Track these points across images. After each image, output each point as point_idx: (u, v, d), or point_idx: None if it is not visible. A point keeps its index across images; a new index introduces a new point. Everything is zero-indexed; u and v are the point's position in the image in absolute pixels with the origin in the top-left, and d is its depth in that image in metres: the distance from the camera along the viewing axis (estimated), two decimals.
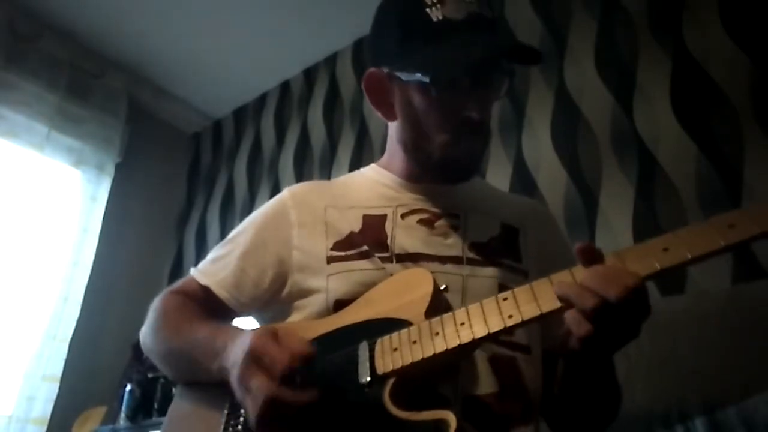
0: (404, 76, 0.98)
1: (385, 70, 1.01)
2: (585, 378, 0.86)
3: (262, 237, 1.05)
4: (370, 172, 1.14)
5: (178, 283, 1.09)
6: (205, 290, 1.04)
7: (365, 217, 1.01)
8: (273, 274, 1.01)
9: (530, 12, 2.47)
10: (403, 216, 1.00)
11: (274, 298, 1.01)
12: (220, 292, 1.02)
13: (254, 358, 0.76)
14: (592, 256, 0.69)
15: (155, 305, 1.04)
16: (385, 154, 1.13)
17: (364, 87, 1.06)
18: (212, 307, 1.02)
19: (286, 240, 1.02)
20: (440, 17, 0.90)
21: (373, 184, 1.09)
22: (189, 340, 0.93)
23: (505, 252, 0.99)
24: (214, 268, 1.06)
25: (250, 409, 0.75)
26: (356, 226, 1.00)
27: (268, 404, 0.73)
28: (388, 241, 0.96)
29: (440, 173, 1.02)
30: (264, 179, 3.27)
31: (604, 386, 0.89)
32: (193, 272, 1.08)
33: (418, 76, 0.95)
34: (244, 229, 1.09)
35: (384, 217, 1.00)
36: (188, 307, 1.01)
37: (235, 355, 0.80)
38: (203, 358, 0.88)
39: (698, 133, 1.86)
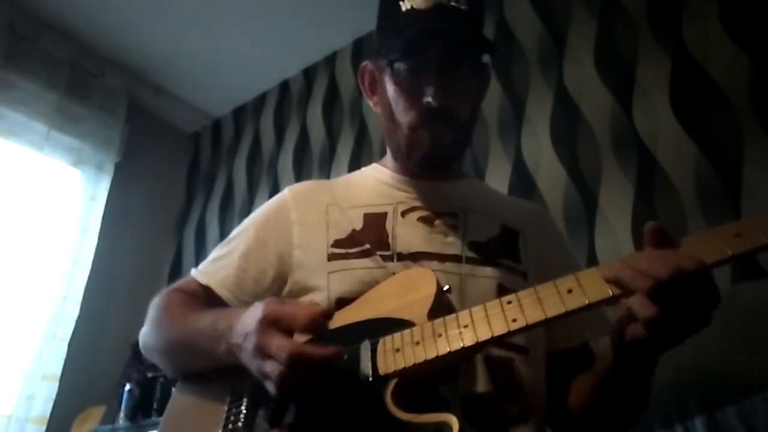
0: (379, 63, 1.05)
1: (373, 61, 1.08)
2: (628, 381, 0.82)
3: (263, 236, 1.05)
4: (370, 170, 1.15)
5: (179, 283, 1.08)
6: (206, 290, 1.03)
7: (366, 216, 1.02)
8: (274, 273, 1.01)
9: (530, 12, 2.48)
10: (403, 213, 1.01)
11: (277, 295, 1.00)
12: (221, 291, 1.01)
13: (270, 322, 0.76)
14: (660, 240, 0.65)
15: (155, 303, 1.03)
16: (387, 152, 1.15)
17: (359, 79, 1.14)
18: (213, 307, 1.01)
19: (286, 239, 1.02)
20: (408, 7, 0.95)
21: (373, 183, 1.10)
22: (192, 329, 0.92)
23: (504, 252, 0.99)
24: (214, 267, 1.06)
25: (272, 371, 0.74)
26: (358, 224, 1.00)
27: (291, 360, 0.72)
28: (389, 240, 0.97)
29: (410, 162, 1.03)
30: (263, 178, 3.27)
31: (644, 390, 0.84)
32: (194, 272, 1.07)
33: (384, 63, 1.01)
34: (244, 229, 1.09)
35: (384, 215, 1.01)
36: (190, 303, 1.01)
37: (244, 327, 0.80)
38: (209, 343, 0.88)
39: (698, 132, 1.86)
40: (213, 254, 1.09)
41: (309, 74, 3.34)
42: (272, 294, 1.01)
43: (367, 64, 1.11)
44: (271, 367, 0.74)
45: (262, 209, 1.11)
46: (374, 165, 1.15)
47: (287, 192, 1.11)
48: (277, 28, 3.06)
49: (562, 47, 2.32)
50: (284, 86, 3.45)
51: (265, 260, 1.02)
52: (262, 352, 0.76)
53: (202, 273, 1.06)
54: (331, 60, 3.24)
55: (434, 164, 1.02)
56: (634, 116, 2.02)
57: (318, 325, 0.76)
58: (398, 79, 0.99)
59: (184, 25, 3.09)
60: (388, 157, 1.12)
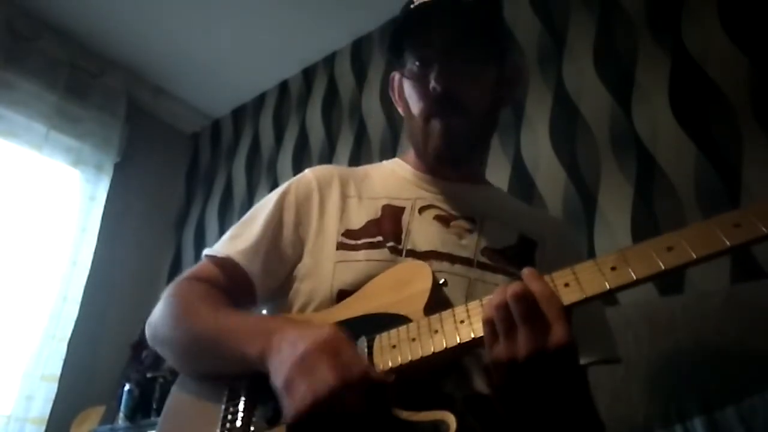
0: (396, 65, 1.07)
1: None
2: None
3: (286, 215, 1.04)
4: (393, 164, 1.15)
5: (192, 270, 1.04)
6: (224, 266, 1.00)
7: (384, 207, 1.02)
8: (293, 252, 1.00)
9: (530, 12, 2.47)
10: (420, 210, 1.02)
11: (288, 277, 1.00)
12: (243, 261, 0.98)
13: (332, 349, 0.71)
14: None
15: (170, 293, 0.98)
16: None
17: (390, 89, 1.17)
18: (232, 285, 0.99)
19: (309, 219, 1.02)
20: (415, 2, 0.97)
21: (394, 176, 1.10)
22: (223, 326, 0.87)
23: (518, 262, 0.97)
24: (232, 243, 1.02)
25: (302, 392, 0.68)
26: (375, 215, 1.01)
27: (329, 398, 0.67)
28: (402, 235, 0.97)
29: (429, 157, 1.03)
30: (262, 179, 3.27)
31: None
32: (209, 251, 1.03)
33: (396, 59, 1.04)
34: (263, 206, 1.07)
35: (402, 209, 1.01)
36: (213, 294, 0.97)
37: (300, 337, 0.74)
38: (242, 341, 0.82)
39: (697, 132, 1.86)
40: (229, 233, 1.06)
41: (308, 74, 3.34)
42: (286, 274, 1.00)
43: (395, 74, 1.13)
44: (303, 387, 0.69)
45: (284, 189, 1.08)
46: (396, 159, 1.16)
47: (310, 174, 1.09)
48: (276, 28, 3.06)
49: (561, 47, 2.32)
50: (283, 86, 3.45)
51: (287, 239, 1.01)
52: (306, 368, 0.70)
53: (219, 249, 1.02)
54: (330, 60, 3.23)
55: (449, 158, 1.02)
56: (633, 116, 2.02)
57: (366, 388, 0.70)
58: (410, 74, 1.02)
59: (183, 25, 3.09)
60: (410, 153, 1.12)
